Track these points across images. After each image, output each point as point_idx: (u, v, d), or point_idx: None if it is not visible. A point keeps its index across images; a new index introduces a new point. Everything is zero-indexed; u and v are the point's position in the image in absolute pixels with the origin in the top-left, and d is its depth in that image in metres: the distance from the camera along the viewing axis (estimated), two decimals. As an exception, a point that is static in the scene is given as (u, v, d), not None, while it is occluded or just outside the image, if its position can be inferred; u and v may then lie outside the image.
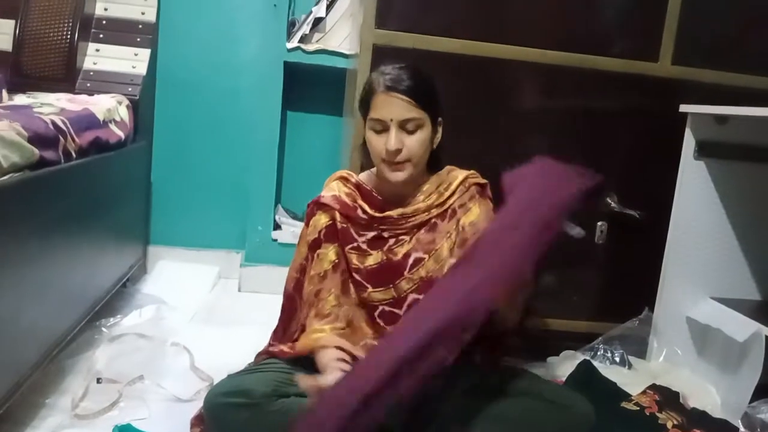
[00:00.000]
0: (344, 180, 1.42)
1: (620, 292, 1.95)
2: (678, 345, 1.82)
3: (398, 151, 1.28)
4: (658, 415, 1.52)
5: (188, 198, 2.60)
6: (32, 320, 1.40)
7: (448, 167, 1.44)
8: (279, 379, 1.24)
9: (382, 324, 1.34)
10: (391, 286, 1.34)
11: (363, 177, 1.43)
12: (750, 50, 1.95)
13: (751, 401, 1.56)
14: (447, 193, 1.38)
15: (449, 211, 1.37)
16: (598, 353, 1.82)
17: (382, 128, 1.29)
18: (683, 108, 1.75)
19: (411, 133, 1.29)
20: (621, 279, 1.96)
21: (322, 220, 1.37)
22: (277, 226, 2.57)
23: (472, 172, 1.42)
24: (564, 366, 1.75)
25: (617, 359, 1.81)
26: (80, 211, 1.68)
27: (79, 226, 1.68)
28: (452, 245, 1.35)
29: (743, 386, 1.59)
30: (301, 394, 1.23)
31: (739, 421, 1.56)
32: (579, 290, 1.97)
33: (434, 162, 1.40)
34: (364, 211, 1.36)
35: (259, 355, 1.39)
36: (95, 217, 1.83)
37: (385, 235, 1.36)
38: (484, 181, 1.43)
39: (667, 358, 1.82)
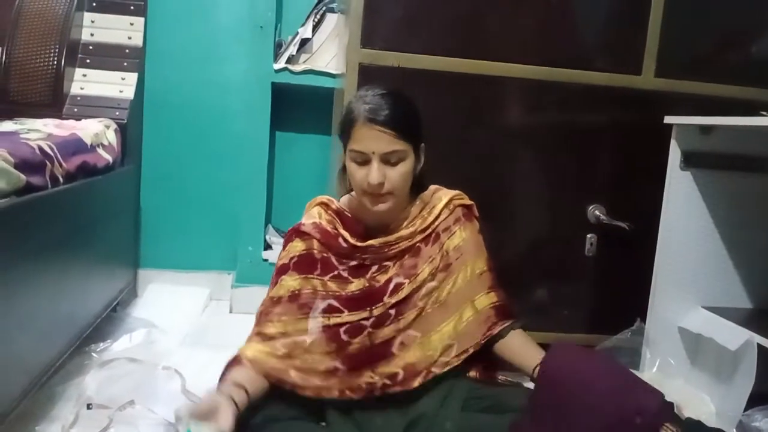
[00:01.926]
0: (325, 206, 1.39)
1: (611, 303, 1.96)
2: (671, 355, 1.82)
3: (381, 184, 1.25)
4: (654, 426, 1.51)
5: (178, 220, 2.59)
6: (20, 347, 1.38)
7: (433, 187, 1.41)
8: (270, 405, 1.23)
9: (346, 338, 1.28)
10: (368, 309, 1.30)
11: (344, 202, 1.40)
12: (731, 61, 1.98)
13: (746, 409, 1.56)
14: (430, 218, 1.35)
15: (433, 235, 1.34)
16: (592, 366, 1.81)
17: (364, 160, 1.25)
18: (668, 119, 1.77)
19: (393, 165, 1.25)
20: (612, 291, 1.97)
21: (297, 247, 1.33)
22: (267, 246, 2.56)
23: (457, 193, 1.40)
24: (558, 379, 1.74)
25: (611, 371, 1.80)
26: (68, 236, 1.67)
27: (68, 252, 1.67)
28: (434, 270, 1.32)
29: (737, 395, 1.59)
30: (293, 418, 1.22)
31: (734, 430, 1.56)
32: (570, 303, 1.98)
33: (418, 185, 1.37)
34: (346, 240, 1.33)
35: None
36: (84, 242, 1.82)
37: (368, 263, 1.33)
38: (470, 202, 1.40)
39: (661, 369, 1.81)
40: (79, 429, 1.49)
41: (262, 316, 1.30)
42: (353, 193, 1.36)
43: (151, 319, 2.19)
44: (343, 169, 1.34)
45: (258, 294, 2.40)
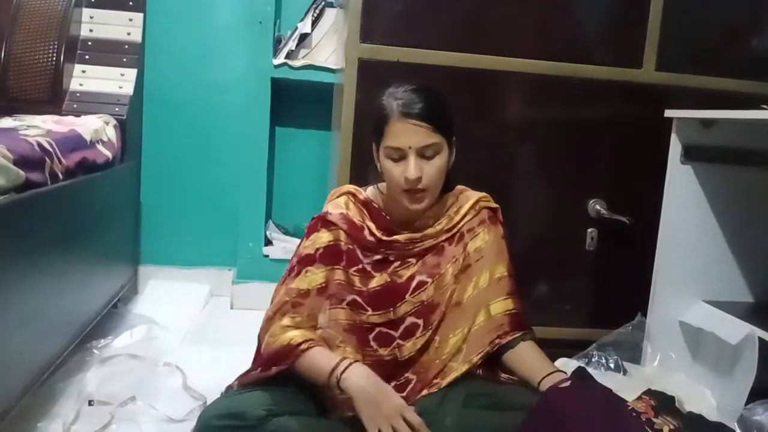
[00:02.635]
0: (352, 196, 1.37)
1: (612, 298, 1.96)
2: (672, 349, 1.82)
3: (419, 179, 1.24)
4: (654, 420, 1.51)
5: (178, 216, 2.59)
6: (21, 345, 1.38)
7: (459, 187, 1.41)
8: (272, 399, 1.22)
9: (375, 347, 1.29)
10: (391, 309, 1.30)
11: (370, 194, 1.39)
12: (732, 55, 1.97)
13: (747, 403, 1.56)
14: (457, 218, 1.35)
15: (457, 234, 1.34)
16: (593, 360, 1.81)
17: (400, 156, 1.24)
18: (668, 113, 1.76)
19: (429, 159, 1.25)
20: (613, 285, 1.97)
21: (323, 238, 1.31)
22: (268, 242, 2.56)
23: (484, 195, 1.39)
24: (559, 374, 1.74)
25: (612, 365, 1.80)
26: (68, 233, 1.67)
27: (68, 248, 1.67)
28: (456, 270, 1.32)
29: (738, 389, 1.58)
30: (294, 412, 1.22)
31: (735, 423, 1.55)
32: (571, 298, 1.98)
33: (445, 183, 1.34)
34: (372, 233, 1.32)
35: (239, 382, 1.29)
36: (84, 239, 1.81)
37: (391, 258, 1.33)
38: (495, 205, 1.39)
39: (662, 363, 1.81)
40: (80, 426, 1.49)
41: (290, 306, 1.27)
42: (379, 185, 1.36)
43: (151, 316, 2.19)
44: (367, 162, 1.33)
45: (258, 290, 2.43)
